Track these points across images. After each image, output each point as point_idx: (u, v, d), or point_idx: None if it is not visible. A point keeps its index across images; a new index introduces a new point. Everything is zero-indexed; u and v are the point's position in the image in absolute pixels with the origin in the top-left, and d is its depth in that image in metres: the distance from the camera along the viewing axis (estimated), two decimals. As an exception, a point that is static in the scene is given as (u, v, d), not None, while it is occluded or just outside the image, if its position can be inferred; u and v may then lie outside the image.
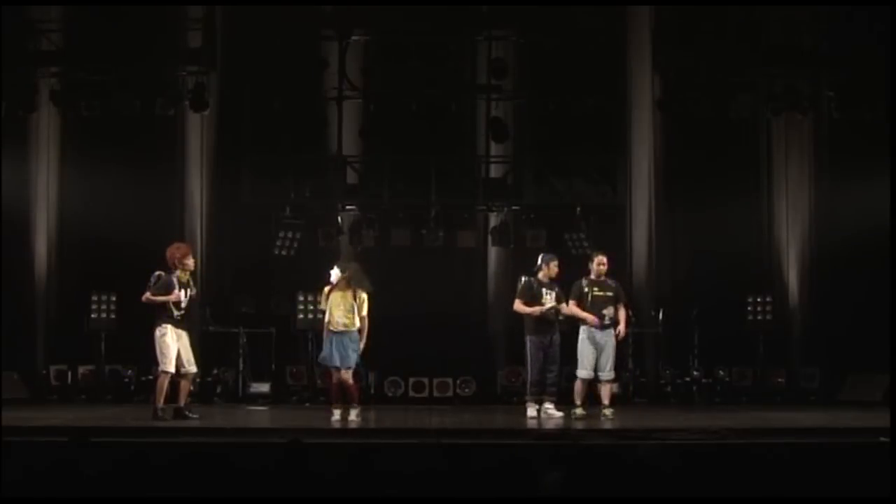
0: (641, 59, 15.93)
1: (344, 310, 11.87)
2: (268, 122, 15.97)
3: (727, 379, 15.82)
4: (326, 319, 11.98)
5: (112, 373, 15.58)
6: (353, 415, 11.89)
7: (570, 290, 12.56)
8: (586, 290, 12.51)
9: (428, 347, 15.47)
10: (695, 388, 15.60)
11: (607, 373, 12.49)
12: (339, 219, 16.03)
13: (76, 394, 15.49)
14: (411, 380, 15.68)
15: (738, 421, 12.03)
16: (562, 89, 15.83)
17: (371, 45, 16.21)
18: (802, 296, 16.38)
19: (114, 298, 15.41)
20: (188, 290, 12.04)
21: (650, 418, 12.95)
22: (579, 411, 12.29)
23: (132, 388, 15.44)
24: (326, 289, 12.08)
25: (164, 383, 11.93)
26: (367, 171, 16.10)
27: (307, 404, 14.94)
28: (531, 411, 12.44)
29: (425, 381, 15.69)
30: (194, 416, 12.04)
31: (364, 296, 11.94)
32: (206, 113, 15.55)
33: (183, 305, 11.97)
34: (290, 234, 15.73)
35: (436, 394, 15.62)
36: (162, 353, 11.90)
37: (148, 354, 12.38)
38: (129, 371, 15.48)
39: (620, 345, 13.02)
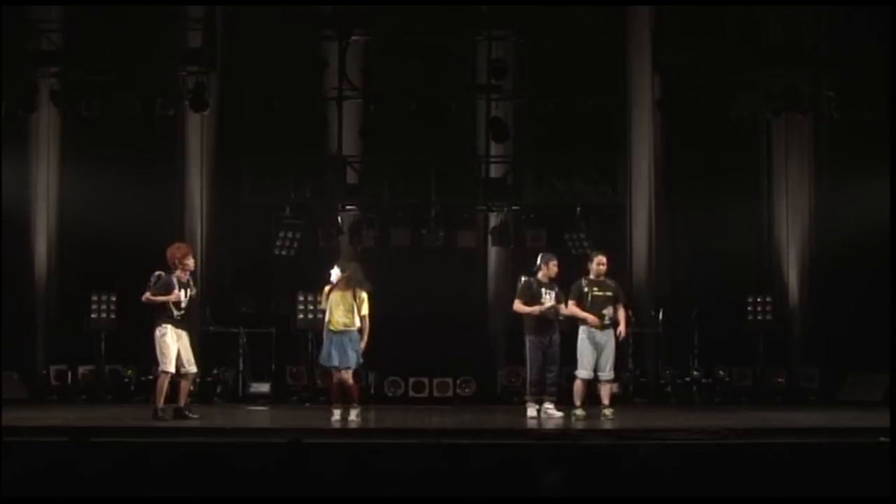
0: (641, 59, 15.93)
1: (344, 309, 11.87)
2: (268, 122, 15.97)
3: (727, 379, 15.82)
4: (326, 319, 11.99)
5: (112, 373, 15.58)
6: (353, 415, 11.89)
7: (569, 290, 12.56)
8: (586, 290, 12.51)
9: (428, 347, 15.46)
10: (695, 388, 15.60)
11: (607, 373, 12.49)
12: (339, 219, 16.03)
13: (76, 394, 15.49)
14: (411, 380, 15.68)
15: (738, 421, 12.03)
16: (562, 89, 15.83)
17: (371, 45, 16.21)
18: (802, 296, 16.38)
19: (114, 298, 15.41)
20: (188, 290, 12.04)
21: (650, 418, 12.95)
22: (579, 412, 12.28)
23: (132, 388, 15.44)
24: (327, 288, 12.08)
25: (164, 383, 11.93)
26: (367, 171, 16.10)
27: (307, 404, 14.94)
28: (531, 411, 12.44)
29: (425, 381, 15.69)
30: (194, 416, 12.04)
31: (364, 295, 11.94)
32: (206, 113, 15.55)
33: (183, 305, 11.97)
34: (290, 234, 15.73)
35: (436, 394, 15.62)
36: (162, 353, 11.90)
37: (148, 354, 12.38)
38: (129, 371, 15.47)
39: (621, 345, 13.03)
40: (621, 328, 12.57)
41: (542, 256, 12.71)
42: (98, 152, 15.86)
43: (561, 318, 12.52)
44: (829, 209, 16.08)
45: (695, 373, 15.63)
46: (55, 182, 16.20)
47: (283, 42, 15.65)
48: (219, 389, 15.38)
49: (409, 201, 15.94)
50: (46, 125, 16.05)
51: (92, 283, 15.61)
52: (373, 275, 12.32)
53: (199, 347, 13.21)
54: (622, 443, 10.18)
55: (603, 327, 12.45)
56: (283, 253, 15.74)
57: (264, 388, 15.37)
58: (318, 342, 12.44)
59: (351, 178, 16.06)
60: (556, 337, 12.45)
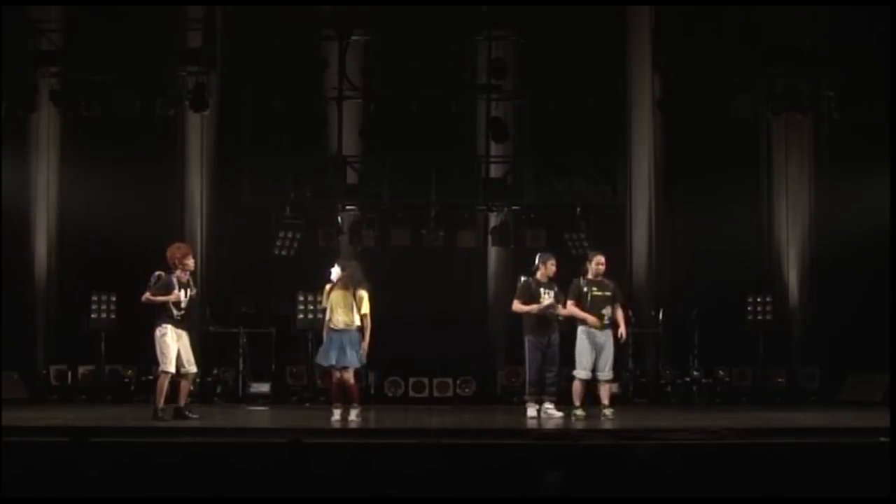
0: (641, 59, 15.93)
1: (344, 308, 11.87)
2: (268, 122, 15.97)
3: (727, 379, 15.81)
4: (327, 318, 11.98)
5: (112, 373, 15.58)
6: (353, 415, 11.88)
7: (567, 289, 12.56)
8: (585, 289, 12.51)
9: (428, 347, 15.46)
10: (695, 388, 15.60)
11: (606, 373, 12.49)
12: (339, 219, 16.03)
13: (76, 394, 15.49)
14: (411, 380, 15.68)
15: (738, 421, 12.03)
16: (562, 89, 15.83)
17: (371, 45, 16.21)
18: (802, 296, 16.38)
19: (114, 298, 15.41)
20: (188, 290, 12.04)
21: (650, 418, 12.95)
22: (579, 412, 12.28)
23: (132, 388, 15.44)
24: (327, 287, 12.08)
25: (165, 383, 11.93)
26: (367, 171, 16.10)
27: (307, 404, 14.94)
28: (531, 411, 12.44)
29: (425, 381, 15.69)
30: (194, 416, 12.04)
31: (363, 294, 11.93)
32: (206, 113, 15.54)
33: (183, 305, 11.97)
34: (290, 234, 15.73)
35: (436, 394, 15.62)
36: (162, 353, 11.90)
37: (148, 354, 12.39)
38: (129, 371, 15.47)
39: (622, 345, 13.03)
40: (622, 330, 12.58)
41: (540, 256, 12.72)
42: (98, 152, 15.86)
43: (560, 318, 12.52)
44: (829, 209, 16.08)
45: (695, 373, 15.63)
46: (55, 182, 16.19)
47: (283, 42, 15.65)
48: (219, 389, 15.38)
49: (409, 201, 15.93)
50: (46, 125, 16.04)
51: (92, 283, 15.61)
52: (373, 275, 12.32)
53: (199, 347, 13.22)
54: (622, 443, 10.18)
55: (602, 327, 12.46)
56: (283, 253, 15.74)
57: (264, 388, 15.37)
58: (318, 342, 12.43)
59: (351, 178, 16.05)
60: (556, 337, 12.46)
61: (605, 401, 12.50)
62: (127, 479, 8.32)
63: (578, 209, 15.80)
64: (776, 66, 15.68)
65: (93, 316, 15.43)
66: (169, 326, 11.90)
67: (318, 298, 12.99)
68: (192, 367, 12.10)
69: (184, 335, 12.04)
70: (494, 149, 16.05)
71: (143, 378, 15.04)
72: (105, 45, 15.46)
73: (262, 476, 8.33)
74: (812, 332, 16.11)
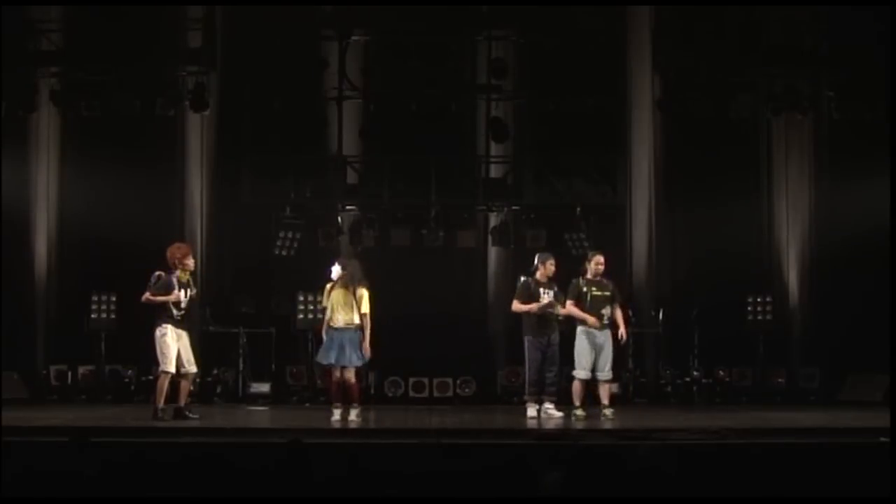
0: (641, 59, 15.93)
1: (345, 307, 11.86)
2: (268, 122, 15.98)
3: (727, 379, 15.81)
4: (328, 316, 11.97)
5: (112, 373, 15.58)
6: (354, 415, 11.88)
7: (566, 289, 12.56)
8: (585, 289, 12.51)
9: (428, 347, 15.46)
10: (695, 388, 15.60)
11: (606, 373, 12.49)
12: (339, 219, 16.03)
13: (76, 394, 15.49)
14: (411, 380, 15.67)
15: (738, 421, 12.03)
16: (562, 89, 15.84)
17: (371, 45, 16.21)
18: (802, 296, 16.38)
19: (114, 298, 15.41)
20: (188, 291, 12.04)
21: (650, 418, 12.95)
22: (579, 412, 12.28)
23: (132, 388, 15.44)
24: (328, 286, 12.07)
25: (165, 383, 11.93)
26: (367, 171, 16.10)
27: (307, 404, 14.94)
28: (531, 411, 12.44)
29: (425, 381, 15.69)
30: (194, 416, 12.04)
31: (363, 292, 11.92)
32: (206, 113, 15.55)
33: (183, 305, 11.97)
34: (290, 234, 15.73)
35: (436, 394, 15.61)
36: (162, 353, 11.90)
37: (148, 354, 12.39)
38: (129, 371, 15.48)
39: (622, 345, 13.03)
40: (622, 331, 12.58)
41: (539, 256, 12.72)
42: (98, 152, 15.86)
43: (560, 318, 12.52)
44: (829, 209, 16.08)
45: (695, 373, 15.63)
46: (55, 182, 16.19)
47: (283, 42, 15.65)
48: (219, 389, 15.38)
49: (409, 201, 15.93)
50: (46, 125, 16.05)
51: (92, 283, 15.61)
52: (373, 275, 12.32)
53: (199, 347, 13.22)
54: (622, 443, 10.18)
55: (602, 327, 12.46)
56: (283, 253, 15.74)
57: (264, 388, 15.37)
58: (319, 342, 12.42)
59: (351, 178, 16.06)
60: (556, 337, 12.46)
61: (605, 401, 12.51)
62: (127, 479, 8.31)
63: (578, 209, 15.80)
64: (776, 66, 15.68)
65: (93, 316, 15.43)
66: (169, 326, 11.90)
67: (318, 298, 12.99)
68: (192, 367, 12.10)
69: (184, 335, 12.04)
70: (494, 149, 16.05)
71: (143, 378, 15.04)
72: (105, 45, 15.47)
73: (262, 476, 8.32)
74: (812, 332, 16.11)
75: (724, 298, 15.65)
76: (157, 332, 11.92)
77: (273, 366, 15.59)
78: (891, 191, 14.01)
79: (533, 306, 12.37)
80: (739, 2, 15.52)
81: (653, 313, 15.72)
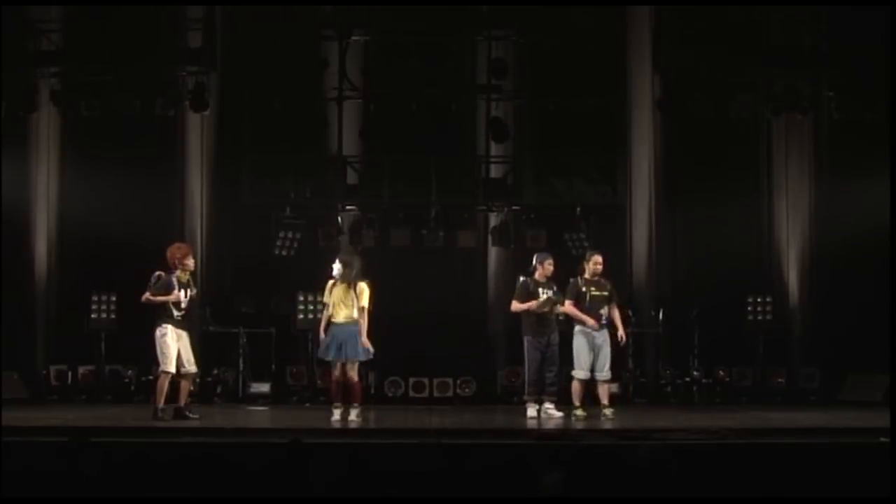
0: (641, 59, 15.94)
1: (346, 303, 11.84)
2: (268, 122, 15.96)
3: (727, 379, 15.81)
4: (329, 312, 11.94)
5: (112, 373, 15.57)
6: (354, 415, 11.87)
7: (565, 289, 12.55)
8: (584, 289, 12.51)
9: (428, 347, 15.47)
10: (695, 388, 15.60)
11: (605, 373, 12.49)
12: (339, 219, 16.03)
13: (76, 394, 15.48)
14: (411, 380, 15.67)
15: (738, 421, 12.02)
16: (562, 89, 15.83)
17: (371, 45, 16.21)
18: (802, 296, 16.38)
19: (114, 298, 15.40)
20: (188, 291, 12.04)
21: (650, 418, 12.95)
22: (579, 412, 12.28)
23: (132, 388, 15.43)
24: (329, 283, 12.05)
25: (165, 383, 11.93)
26: (367, 171, 16.10)
27: (307, 404, 14.94)
28: (531, 411, 12.44)
29: (425, 381, 15.68)
30: (194, 416, 12.04)
31: (363, 286, 11.89)
32: (206, 113, 15.54)
33: (183, 305, 11.97)
34: (290, 234, 15.73)
35: (436, 394, 15.61)
36: (162, 353, 11.90)
37: (148, 354, 12.39)
38: (129, 371, 15.48)
39: (623, 346, 13.03)
40: (621, 332, 12.58)
41: (537, 256, 12.72)
42: (98, 152, 15.85)
43: (561, 317, 12.52)
44: (829, 209, 16.07)
45: (695, 373, 15.63)
46: (55, 182, 16.19)
47: (283, 42, 15.64)
48: (219, 389, 15.38)
49: (409, 201, 15.92)
50: (46, 125, 16.04)
51: (92, 283, 15.61)
52: (373, 275, 12.31)
53: (199, 347, 13.21)
54: (622, 443, 10.18)
55: (600, 328, 12.46)
56: (283, 253, 15.74)
57: (264, 388, 15.37)
58: (318, 341, 12.42)
59: (351, 178, 16.05)
60: (555, 337, 12.46)
61: (605, 401, 12.51)
62: (127, 479, 8.32)
63: (578, 209, 15.79)
64: (776, 66, 15.69)
65: (93, 316, 15.43)
66: (169, 326, 11.90)
67: (319, 298, 12.98)
68: (192, 368, 12.10)
69: (184, 335, 12.04)
70: (494, 149, 16.05)
71: (143, 378, 15.04)
72: (105, 45, 15.47)
73: (262, 476, 8.33)
74: (812, 332, 16.11)
75: (724, 298, 15.65)
76: (158, 332, 11.92)
77: (273, 366, 15.59)
78: (891, 191, 14.00)
79: (532, 304, 12.36)
80: (739, 2, 15.52)
81: (653, 313, 15.72)
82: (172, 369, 11.90)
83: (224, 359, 15.48)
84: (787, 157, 16.41)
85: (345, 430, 11.42)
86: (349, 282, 11.87)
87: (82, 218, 15.97)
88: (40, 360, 15.86)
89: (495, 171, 16.18)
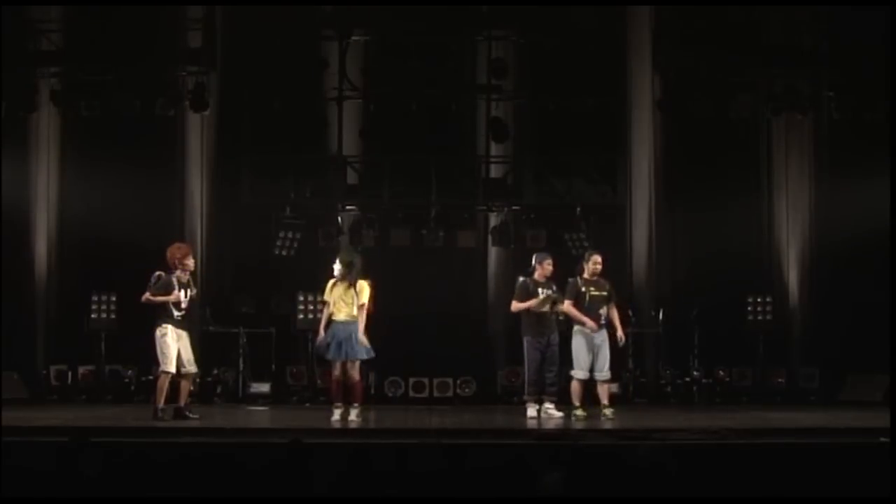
0: (641, 59, 15.94)
1: (347, 301, 11.83)
2: (268, 122, 15.96)
3: (727, 379, 15.81)
4: (330, 311, 11.93)
5: (112, 373, 15.57)
6: (354, 415, 11.86)
7: (564, 289, 12.55)
8: (583, 289, 12.50)
9: (428, 347, 15.47)
10: (695, 388, 15.60)
11: (605, 373, 12.49)
12: (339, 219, 16.02)
13: (76, 394, 15.48)
14: (411, 380, 15.67)
15: (738, 421, 12.02)
16: (562, 89, 15.83)
17: (371, 45, 16.20)
18: (802, 296, 16.38)
19: (114, 298, 15.40)
20: (188, 291, 12.04)
21: (650, 418, 12.95)
22: (579, 412, 12.27)
23: (132, 388, 15.43)
24: (331, 282, 12.04)
25: (165, 383, 11.93)
26: (367, 171, 16.09)
27: (307, 404, 14.94)
28: (531, 411, 12.44)
29: (425, 381, 15.68)
30: (194, 416, 12.04)
31: (364, 283, 11.88)
32: (206, 113, 15.54)
33: (183, 306, 11.97)
34: (290, 234, 15.73)
35: (436, 394, 15.61)
36: (162, 354, 11.89)
37: (148, 354, 12.39)
38: (129, 371, 15.48)
39: (622, 347, 13.03)
40: (620, 333, 12.57)
41: (536, 256, 12.72)
42: (98, 152, 15.85)
43: (561, 317, 12.52)
44: (829, 209, 16.07)
45: (695, 373, 15.63)
46: (55, 182, 16.19)
47: (283, 42, 15.65)
48: (219, 389, 15.38)
49: (409, 201, 15.92)
50: (46, 125, 16.04)
51: (92, 283, 15.61)
52: (373, 275, 12.31)
53: (199, 347, 13.21)
54: (622, 443, 10.18)
55: (599, 328, 12.46)
56: (283, 253, 15.74)
57: (264, 388, 15.37)
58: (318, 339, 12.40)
59: (351, 178, 16.05)
60: (555, 337, 12.45)
61: (605, 401, 12.50)
62: (127, 479, 8.32)
63: (578, 209, 15.79)
64: (776, 66, 15.69)
65: (93, 316, 15.43)
66: (169, 326, 11.90)
67: (319, 298, 12.98)
68: (192, 368, 12.10)
69: (184, 335, 12.04)
70: (494, 149, 16.04)
71: (143, 378, 15.04)
72: (105, 45, 15.47)
73: (262, 476, 8.33)
74: (812, 332, 16.11)
75: (724, 298, 15.65)
76: (158, 333, 11.92)
77: (273, 366, 15.59)
78: (891, 191, 14.00)
79: (532, 302, 12.35)
80: (739, 2, 15.52)
81: (653, 313, 15.72)
82: (172, 369, 11.90)
83: (224, 359, 15.48)
84: (787, 157, 16.41)
85: (345, 430, 11.41)
86: (350, 281, 11.87)
87: (82, 218, 15.97)
88: (40, 360, 15.85)
89: (495, 171, 16.18)
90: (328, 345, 11.84)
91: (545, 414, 12.35)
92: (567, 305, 12.46)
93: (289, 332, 15.54)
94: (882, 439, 9.36)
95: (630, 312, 15.05)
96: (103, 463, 8.46)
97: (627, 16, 15.91)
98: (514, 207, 16.05)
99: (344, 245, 15.44)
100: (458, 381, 15.68)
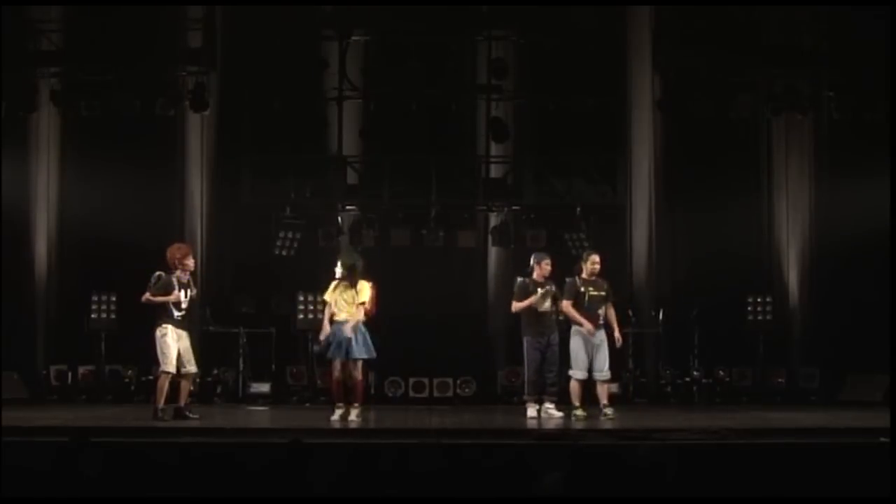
0: (641, 59, 15.94)
1: (348, 301, 11.84)
2: (268, 122, 15.97)
3: (727, 379, 15.81)
4: (331, 310, 11.93)
5: (112, 373, 15.58)
6: (354, 415, 11.86)
7: (562, 288, 12.55)
8: (582, 289, 12.50)
9: (428, 347, 15.46)
10: (695, 388, 15.60)
11: (604, 373, 12.48)
12: (339, 219, 16.03)
13: (76, 394, 15.48)
14: (411, 380, 15.67)
15: (738, 421, 12.02)
16: (562, 89, 15.83)
17: (371, 45, 16.21)
18: (802, 296, 16.38)
19: (114, 298, 15.41)
20: (188, 291, 12.04)
21: (650, 418, 12.94)
22: (579, 412, 12.27)
23: (132, 388, 15.44)
24: (333, 283, 12.03)
25: (165, 383, 11.92)
26: (367, 171, 16.10)
27: (307, 404, 14.94)
28: (531, 411, 12.44)
29: (425, 381, 15.68)
30: (194, 416, 12.03)
31: (365, 283, 11.89)
32: (206, 113, 15.54)
33: (183, 306, 11.97)
34: (290, 234, 15.73)
35: (436, 394, 15.61)
36: (162, 354, 11.89)
37: (148, 354, 12.39)
38: (129, 371, 15.47)
39: (621, 347, 13.02)
40: (618, 334, 12.56)
41: (534, 256, 12.71)
42: (98, 152, 15.85)
43: (560, 317, 12.52)
44: (829, 209, 16.07)
45: (695, 373, 15.63)
46: (55, 182, 16.19)
47: (283, 42, 15.65)
48: (219, 389, 15.38)
49: (409, 201, 15.92)
50: (46, 125, 16.04)
51: (92, 283, 15.62)
52: (373, 275, 12.31)
53: (199, 347, 13.21)
54: (622, 443, 10.17)
55: (598, 329, 12.45)
56: (283, 253, 15.74)
57: (264, 388, 15.37)
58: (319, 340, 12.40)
59: (351, 178, 16.05)
60: (555, 337, 12.45)
61: (605, 401, 12.50)
62: (127, 479, 8.32)
63: (578, 209, 15.79)
64: (776, 66, 15.70)
65: (93, 316, 15.44)
66: (169, 327, 11.90)
67: (319, 298, 12.97)
68: (192, 368, 12.10)
69: (184, 335, 12.03)
70: (494, 149, 16.05)
71: (143, 378, 15.04)
72: (105, 45, 15.48)
73: (262, 476, 8.33)
74: (812, 332, 16.11)
75: (724, 298, 15.66)
76: (158, 333, 11.92)
77: (273, 366, 15.59)
78: (891, 191, 14.01)
79: (532, 299, 12.34)
80: (739, 2, 15.52)
81: (653, 313, 15.72)
82: (172, 369, 11.90)
83: (224, 359, 15.48)
84: (787, 157, 16.41)
85: (345, 430, 11.42)
86: (351, 281, 11.87)
87: (82, 218, 15.96)
88: (40, 360, 15.86)
89: (495, 171, 16.19)
90: (329, 344, 11.84)
91: (545, 414, 12.35)
92: (566, 305, 12.46)
93: (289, 332, 15.54)
94: (882, 439, 9.36)
95: (630, 312, 15.07)
96: (103, 463, 8.45)
97: (627, 16, 15.91)
98: (514, 207, 16.05)
99: (345, 246, 15.45)
100: (458, 381, 15.68)
